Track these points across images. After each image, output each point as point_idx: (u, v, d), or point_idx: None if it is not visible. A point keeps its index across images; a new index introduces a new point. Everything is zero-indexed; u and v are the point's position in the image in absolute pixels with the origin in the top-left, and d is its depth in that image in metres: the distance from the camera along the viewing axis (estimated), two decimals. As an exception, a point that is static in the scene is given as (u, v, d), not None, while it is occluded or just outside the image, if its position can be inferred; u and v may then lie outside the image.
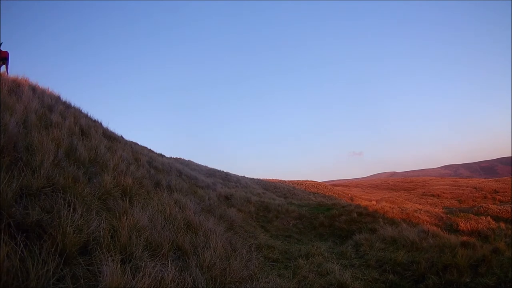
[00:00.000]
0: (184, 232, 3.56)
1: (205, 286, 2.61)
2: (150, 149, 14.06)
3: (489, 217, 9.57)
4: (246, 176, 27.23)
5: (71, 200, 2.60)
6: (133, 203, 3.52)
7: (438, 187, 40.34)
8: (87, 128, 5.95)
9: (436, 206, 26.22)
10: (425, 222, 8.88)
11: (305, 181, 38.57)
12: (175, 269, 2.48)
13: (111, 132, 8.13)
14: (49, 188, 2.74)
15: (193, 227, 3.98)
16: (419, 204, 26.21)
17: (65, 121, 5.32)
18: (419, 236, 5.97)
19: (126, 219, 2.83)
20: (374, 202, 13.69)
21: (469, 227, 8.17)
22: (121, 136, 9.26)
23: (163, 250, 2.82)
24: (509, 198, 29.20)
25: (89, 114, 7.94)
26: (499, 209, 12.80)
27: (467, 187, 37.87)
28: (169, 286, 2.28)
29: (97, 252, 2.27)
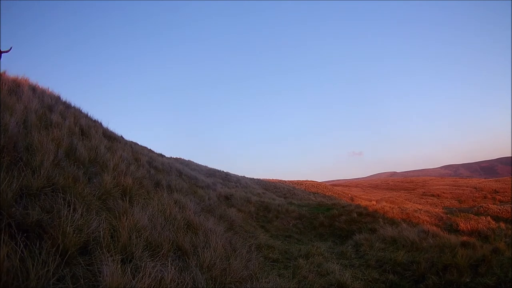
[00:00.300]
0: (184, 232, 3.56)
1: (205, 286, 2.61)
2: (150, 149, 14.06)
3: (489, 217, 9.57)
4: (246, 176, 27.25)
5: (71, 200, 2.60)
6: (133, 203, 3.52)
7: (438, 187, 40.33)
8: (87, 128, 5.96)
9: (436, 206, 26.22)
10: (425, 222, 8.88)
11: (305, 181, 38.56)
12: (175, 269, 2.48)
13: (111, 132, 8.14)
14: (49, 188, 2.74)
15: (193, 227, 3.98)
16: (419, 204, 26.20)
17: (65, 121, 5.32)
18: (419, 236, 5.97)
19: (126, 219, 2.83)
20: (374, 202, 13.68)
21: (469, 227, 8.17)
22: (121, 136, 9.27)
23: (163, 250, 2.82)
24: (509, 198, 29.20)
25: (89, 114, 7.96)
26: (499, 209, 12.80)
27: (467, 187, 37.86)
28: (169, 286, 2.28)
29: (97, 252, 2.27)
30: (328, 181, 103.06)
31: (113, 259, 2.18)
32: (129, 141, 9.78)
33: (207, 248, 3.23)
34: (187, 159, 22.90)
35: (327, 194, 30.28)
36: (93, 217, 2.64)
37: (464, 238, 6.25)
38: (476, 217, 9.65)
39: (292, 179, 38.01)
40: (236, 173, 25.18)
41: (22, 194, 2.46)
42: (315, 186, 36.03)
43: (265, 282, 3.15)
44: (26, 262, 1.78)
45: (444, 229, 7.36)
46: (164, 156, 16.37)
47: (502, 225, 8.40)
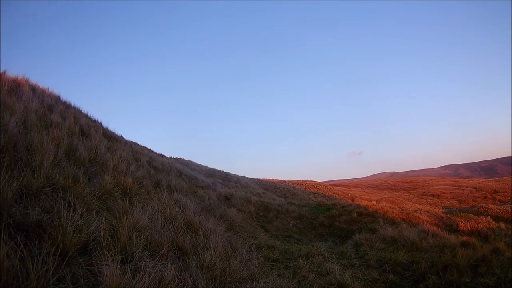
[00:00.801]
0: (184, 232, 3.56)
1: (205, 286, 2.61)
2: (150, 149, 14.06)
3: (489, 217, 9.57)
4: (246, 176, 27.25)
5: (71, 200, 2.60)
6: (133, 203, 3.52)
7: (438, 187, 40.31)
8: (87, 128, 5.96)
9: (436, 206, 26.21)
10: (425, 222, 8.88)
11: (305, 181, 38.55)
12: (175, 269, 2.48)
13: (111, 132, 8.13)
14: (49, 188, 2.74)
15: (193, 227, 3.98)
16: (419, 204, 26.19)
17: (65, 121, 5.32)
18: (419, 236, 5.97)
19: (126, 219, 2.83)
20: (374, 202, 13.68)
21: (469, 227, 8.17)
22: (121, 136, 9.26)
23: (163, 250, 2.82)
24: (509, 198, 29.19)
25: (89, 114, 7.95)
26: (499, 209, 12.80)
27: (467, 187, 37.83)
28: (169, 286, 2.29)
29: (97, 252, 2.27)
30: (328, 181, 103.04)
31: (113, 259, 2.18)
32: (129, 141, 9.78)
33: (207, 248, 3.23)
34: (187, 159, 22.91)
35: (327, 194, 30.28)
36: (93, 217, 2.64)
37: (464, 238, 6.25)
38: (476, 217, 9.65)
39: (292, 179, 38.04)
40: (236, 173, 25.21)
41: (22, 194, 2.46)
42: (315, 186, 36.02)
43: (265, 282, 3.15)
44: (26, 262, 1.78)
45: (444, 229, 7.35)
46: (164, 156, 16.36)
47: (502, 225, 8.39)
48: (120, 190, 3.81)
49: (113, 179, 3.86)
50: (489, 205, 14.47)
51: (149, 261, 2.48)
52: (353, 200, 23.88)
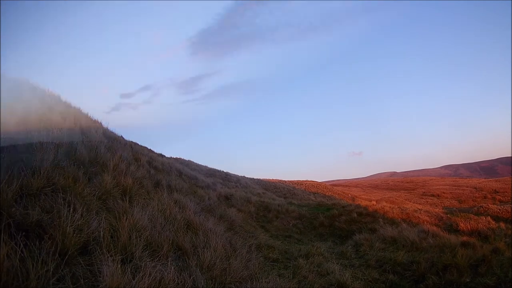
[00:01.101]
0: (184, 232, 3.56)
1: (205, 286, 2.61)
2: (150, 149, 14.03)
3: (489, 217, 9.57)
4: (246, 176, 27.23)
5: (71, 200, 2.60)
6: (133, 203, 3.52)
7: (438, 187, 40.31)
8: (87, 128, 5.96)
9: (436, 206, 26.21)
10: (425, 222, 8.88)
11: (305, 181, 38.55)
12: (175, 269, 2.49)
13: (111, 132, 8.13)
14: (49, 188, 2.74)
15: (193, 227, 3.99)
16: (419, 204, 26.18)
17: (65, 121, 5.32)
18: (419, 236, 5.97)
19: (126, 219, 2.83)
20: (374, 202, 13.68)
21: (469, 227, 8.17)
22: (121, 136, 9.26)
23: (163, 250, 2.82)
24: (509, 198, 29.19)
25: (89, 114, 7.95)
26: (499, 209, 12.81)
27: (467, 187, 37.84)
28: (169, 286, 2.29)
29: (97, 252, 2.27)
30: (328, 181, 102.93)
31: (113, 259, 2.18)
32: (129, 141, 9.77)
33: (207, 248, 3.23)
34: (187, 159, 22.87)
35: (327, 194, 30.28)
36: (93, 217, 2.64)
37: (464, 238, 6.25)
38: (476, 217, 9.65)
39: (292, 179, 38.02)
40: (236, 173, 25.18)
41: (22, 194, 2.46)
42: (315, 186, 36.03)
43: (265, 282, 3.15)
44: (26, 262, 1.78)
45: (444, 229, 7.36)
46: (164, 156, 16.33)
47: (502, 225, 8.40)
48: (120, 190, 3.82)
49: (113, 179, 3.86)
50: (489, 205, 14.48)
51: (149, 261, 2.48)
52: (353, 200, 23.88)
